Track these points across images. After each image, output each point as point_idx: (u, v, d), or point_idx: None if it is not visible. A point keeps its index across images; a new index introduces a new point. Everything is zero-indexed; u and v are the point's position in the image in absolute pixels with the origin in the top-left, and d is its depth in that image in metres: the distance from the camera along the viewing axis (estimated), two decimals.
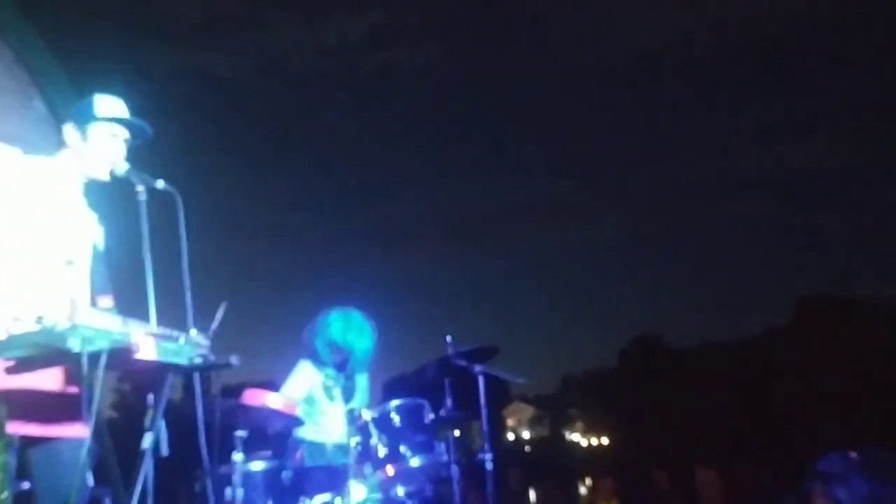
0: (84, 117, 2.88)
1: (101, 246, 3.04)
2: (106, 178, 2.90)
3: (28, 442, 2.66)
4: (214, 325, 2.81)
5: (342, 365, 4.44)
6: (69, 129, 2.90)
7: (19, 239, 2.71)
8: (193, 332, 2.77)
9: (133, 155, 2.95)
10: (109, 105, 2.91)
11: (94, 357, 2.28)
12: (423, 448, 3.70)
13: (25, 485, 2.73)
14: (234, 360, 2.62)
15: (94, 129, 2.87)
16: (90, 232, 2.98)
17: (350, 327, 4.39)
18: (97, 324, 2.73)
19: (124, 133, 2.92)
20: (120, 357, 2.35)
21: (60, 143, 2.97)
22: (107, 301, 2.90)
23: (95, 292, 2.92)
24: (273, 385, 4.66)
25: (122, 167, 2.86)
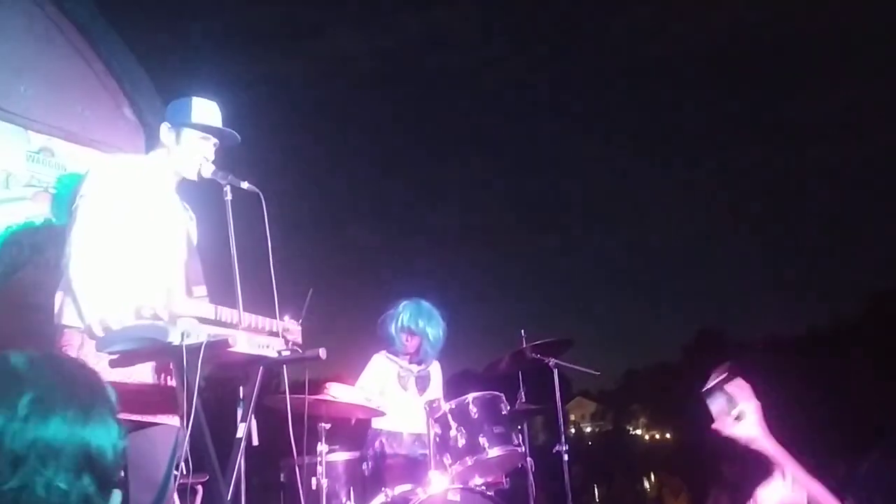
0: (180, 120, 3.00)
1: (194, 238, 3.17)
2: (194, 177, 3.03)
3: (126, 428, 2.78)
4: (304, 310, 2.93)
5: (415, 352, 4.53)
6: (164, 130, 3.02)
7: (119, 233, 2.84)
8: (286, 318, 2.87)
9: (217, 157, 3.07)
10: (204, 111, 3.04)
11: (193, 350, 2.39)
12: (500, 440, 3.73)
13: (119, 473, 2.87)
14: (321, 352, 2.69)
15: (187, 132, 3.00)
16: (184, 225, 3.11)
17: (421, 314, 4.49)
18: (192, 312, 2.87)
19: (214, 139, 3.04)
20: (215, 350, 2.45)
21: (153, 144, 3.10)
22: (201, 290, 3.02)
23: (190, 282, 3.06)
24: (339, 379, 4.77)
25: (209, 169, 2.98)
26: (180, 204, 3.13)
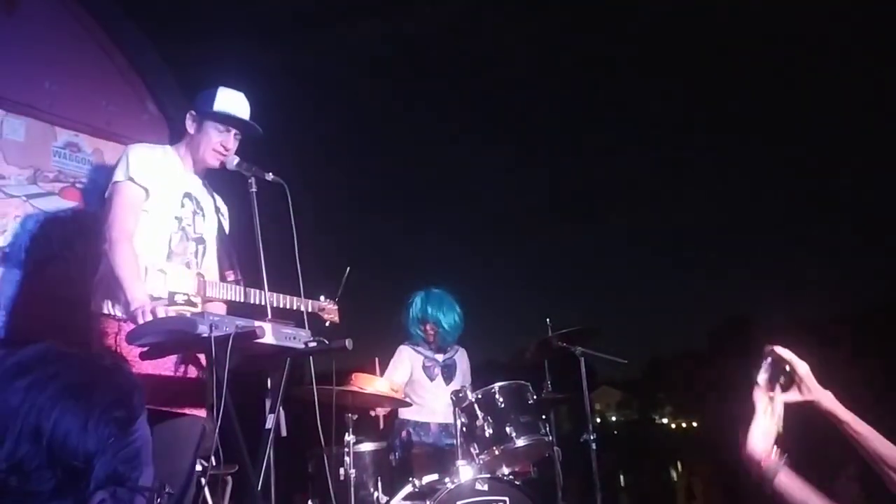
0: (203, 108, 3.03)
1: (226, 226, 3.21)
2: (215, 166, 3.05)
3: (151, 419, 2.80)
4: (340, 289, 2.96)
5: (434, 340, 4.54)
6: (189, 118, 3.05)
7: (151, 220, 2.89)
8: (322, 298, 2.88)
9: (241, 148, 3.09)
10: (228, 101, 3.04)
11: (221, 341, 2.39)
12: (528, 429, 3.72)
13: None
14: (348, 343, 2.69)
15: (208, 122, 3.02)
16: (214, 213, 3.16)
17: (430, 301, 4.51)
18: (224, 296, 2.92)
19: (236, 130, 3.06)
20: (244, 341, 2.46)
21: (177, 136, 3.15)
22: (232, 275, 3.08)
23: (223, 268, 3.12)
24: (366, 370, 4.79)
25: (233, 161, 2.99)
26: (208, 193, 3.16)
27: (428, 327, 4.52)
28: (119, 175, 2.89)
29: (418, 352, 4.59)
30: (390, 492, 3.67)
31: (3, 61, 3.77)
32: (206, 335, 2.34)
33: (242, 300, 2.98)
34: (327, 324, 3.00)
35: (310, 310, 3.00)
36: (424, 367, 4.56)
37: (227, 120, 3.03)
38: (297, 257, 2.89)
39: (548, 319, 4.33)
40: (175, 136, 3.25)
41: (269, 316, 2.78)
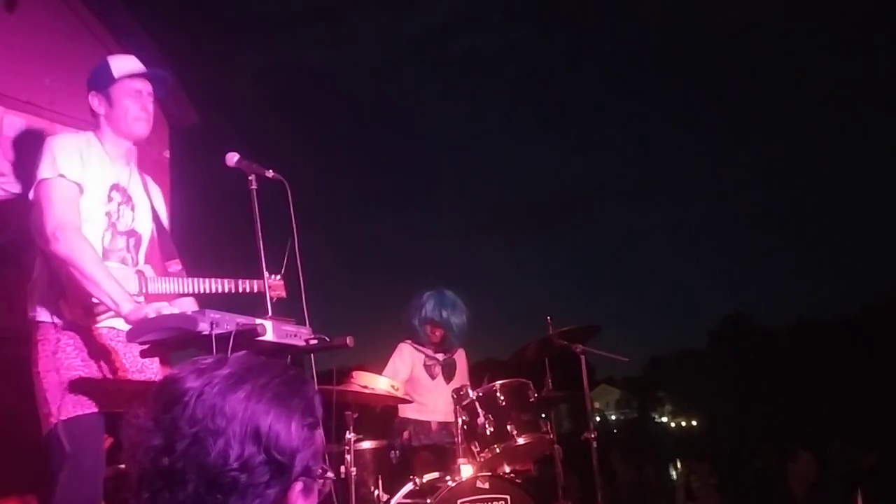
0: (104, 82, 2.84)
1: (162, 211, 3.04)
2: (144, 133, 2.88)
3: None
4: (284, 263, 2.87)
5: (440, 342, 4.53)
6: (93, 98, 2.84)
7: (85, 221, 2.68)
8: (267, 276, 2.80)
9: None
10: (125, 63, 2.88)
11: (222, 339, 2.38)
12: (528, 427, 3.72)
13: (123, 466, 2.84)
14: (348, 341, 2.68)
15: (116, 90, 2.83)
16: (147, 201, 2.98)
17: (444, 304, 4.49)
18: (166, 291, 2.80)
19: (147, 87, 2.90)
20: (245, 339, 2.45)
21: (92, 121, 2.91)
22: (174, 265, 2.93)
23: (164, 258, 2.96)
24: (365, 367, 4.78)
25: (233, 158, 2.94)
26: (139, 177, 2.98)
27: (437, 329, 4.49)
28: (46, 171, 2.62)
29: (420, 350, 4.59)
30: (391, 490, 3.67)
31: (2, 58, 3.75)
32: (206, 333, 2.32)
33: (190, 291, 2.84)
34: (275, 300, 2.88)
35: (256, 290, 2.91)
36: (425, 366, 4.56)
37: (136, 75, 2.85)
38: (297, 255, 2.87)
39: (548, 317, 4.33)
40: (175, 134, 3.19)
41: (270, 313, 2.76)
